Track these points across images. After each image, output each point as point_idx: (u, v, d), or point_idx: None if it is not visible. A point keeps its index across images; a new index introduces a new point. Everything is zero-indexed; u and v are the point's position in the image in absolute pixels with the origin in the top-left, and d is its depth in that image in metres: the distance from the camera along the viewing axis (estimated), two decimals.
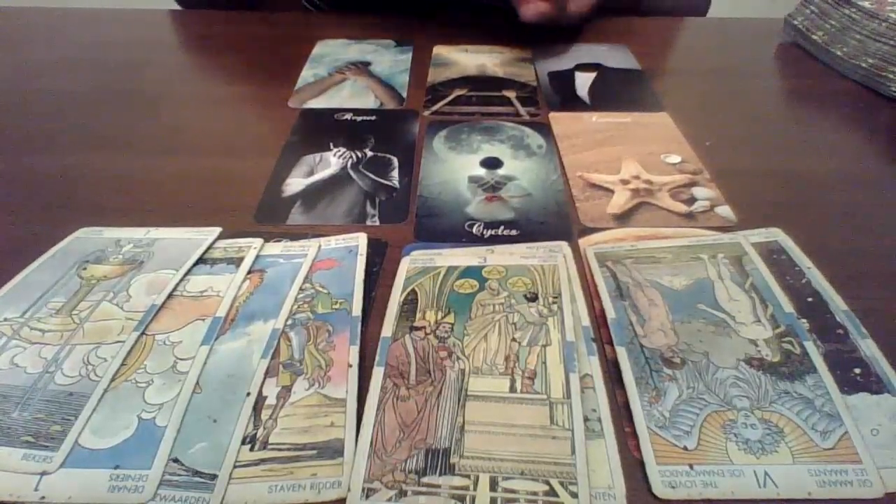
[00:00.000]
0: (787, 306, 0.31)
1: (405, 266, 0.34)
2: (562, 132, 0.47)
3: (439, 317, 0.31)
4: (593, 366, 0.28)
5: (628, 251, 0.34)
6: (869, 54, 0.52)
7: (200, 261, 0.34)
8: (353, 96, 0.53)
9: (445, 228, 0.37)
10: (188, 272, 0.33)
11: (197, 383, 0.27)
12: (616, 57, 0.59)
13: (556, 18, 0.56)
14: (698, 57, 0.61)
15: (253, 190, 0.40)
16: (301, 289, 0.32)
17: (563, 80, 0.55)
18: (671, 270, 0.33)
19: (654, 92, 0.53)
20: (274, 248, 0.35)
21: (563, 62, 0.58)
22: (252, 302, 0.32)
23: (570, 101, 0.52)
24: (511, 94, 0.53)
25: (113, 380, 0.27)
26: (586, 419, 0.26)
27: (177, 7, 0.74)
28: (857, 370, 0.28)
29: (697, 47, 0.63)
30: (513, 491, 0.23)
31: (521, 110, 0.50)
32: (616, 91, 0.54)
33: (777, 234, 0.35)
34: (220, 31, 0.66)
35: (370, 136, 0.47)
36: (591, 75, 0.56)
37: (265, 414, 0.26)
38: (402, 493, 0.23)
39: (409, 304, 0.31)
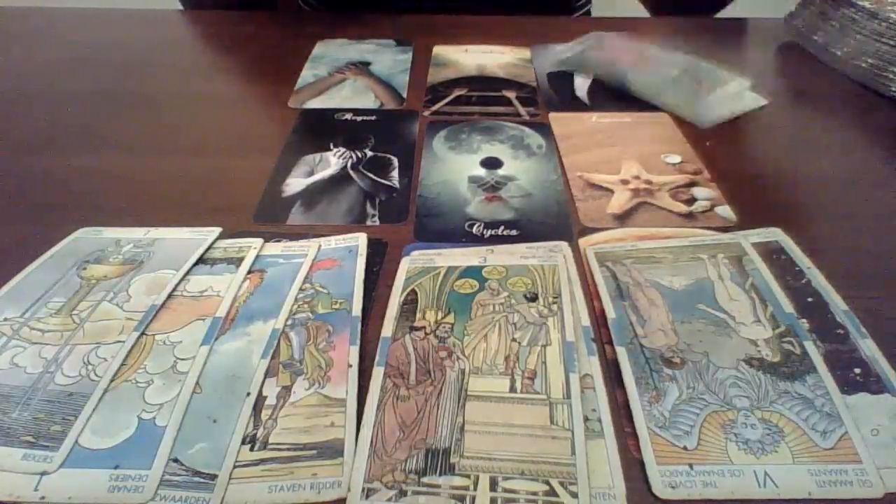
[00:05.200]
0: (787, 306, 0.31)
1: (405, 266, 0.34)
2: (562, 132, 0.47)
3: (439, 317, 0.31)
4: (593, 366, 0.28)
5: (628, 251, 0.34)
6: (869, 54, 0.52)
7: (200, 261, 0.34)
8: (353, 96, 0.53)
9: (445, 228, 0.37)
10: (188, 272, 0.33)
11: (197, 383, 0.27)
12: None
13: None
14: (698, 57, 0.60)
15: (253, 190, 0.40)
16: (301, 289, 0.32)
17: (563, 81, 0.55)
18: (671, 270, 0.33)
19: None
20: (274, 248, 0.35)
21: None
22: (252, 302, 0.32)
23: (569, 102, 0.52)
24: (511, 95, 0.53)
25: (113, 380, 0.27)
26: (586, 419, 0.26)
27: (178, 7, 0.74)
28: (857, 370, 0.28)
29: (697, 47, 0.63)
30: (513, 491, 0.23)
31: (521, 110, 0.50)
32: (616, 91, 0.54)
33: (777, 234, 0.35)
34: (220, 31, 0.66)
35: (370, 136, 0.47)
36: (591, 75, 0.56)
37: (265, 414, 0.26)
38: (402, 493, 0.23)
39: (409, 304, 0.31)
